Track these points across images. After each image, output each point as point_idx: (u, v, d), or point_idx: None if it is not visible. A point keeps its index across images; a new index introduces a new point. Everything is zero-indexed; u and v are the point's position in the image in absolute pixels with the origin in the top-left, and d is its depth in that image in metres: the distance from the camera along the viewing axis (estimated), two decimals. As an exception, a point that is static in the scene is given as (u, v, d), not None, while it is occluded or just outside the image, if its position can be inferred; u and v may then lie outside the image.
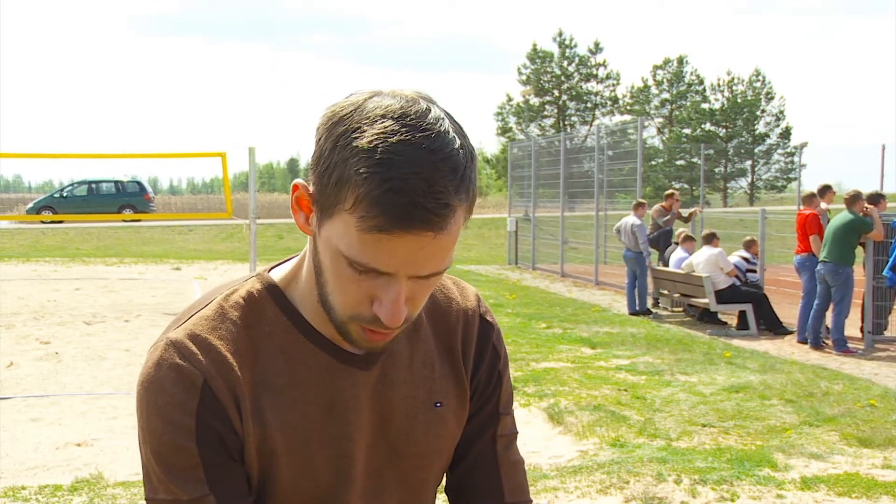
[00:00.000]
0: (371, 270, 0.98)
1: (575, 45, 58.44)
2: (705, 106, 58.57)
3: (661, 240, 12.95)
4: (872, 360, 8.81)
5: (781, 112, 58.06)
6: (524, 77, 58.30)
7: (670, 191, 13.45)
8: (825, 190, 10.13)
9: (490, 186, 61.46)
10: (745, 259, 11.56)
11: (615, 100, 58.91)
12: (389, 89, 1.00)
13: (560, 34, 59.84)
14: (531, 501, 1.28)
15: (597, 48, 58.35)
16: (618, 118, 57.65)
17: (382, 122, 0.95)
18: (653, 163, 51.81)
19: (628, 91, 60.03)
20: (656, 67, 59.81)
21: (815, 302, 9.37)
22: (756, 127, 57.87)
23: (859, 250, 9.40)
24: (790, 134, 57.61)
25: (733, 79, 58.57)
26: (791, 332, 10.12)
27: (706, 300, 10.68)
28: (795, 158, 51.41)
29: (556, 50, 58.34)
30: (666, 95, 59.46)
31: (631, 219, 12.19)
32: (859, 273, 9.41)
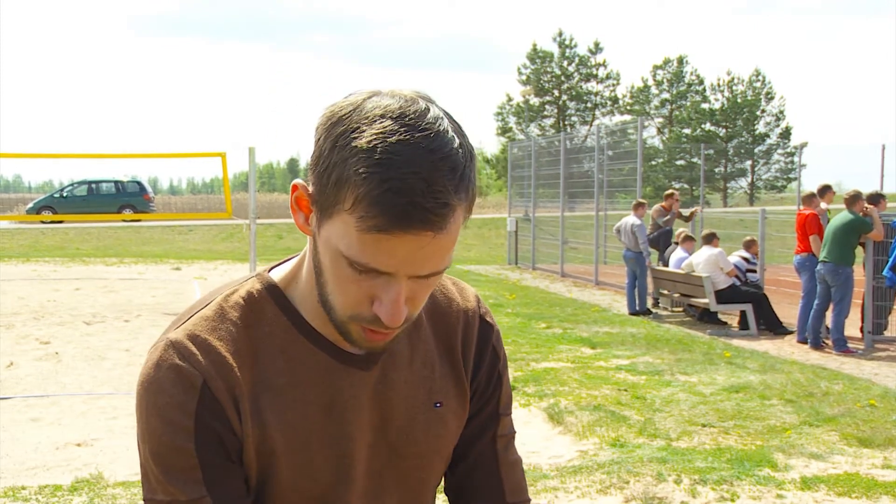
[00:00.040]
0: (371, 270, 0.98)
1: (575, 45, 58.47)
2: (705, 106, 58.58)
3: (661, 240, 12.95)
4: (872, 360, 8.81)
5: (781, 112, 58.09)
6: (524, 77, 58.34)
7: (670, 191, 13.45)
8: (825, 190, 10.13)
9: (490, 186, 61.47)
10: (745, 259, 11.57)
11: (615, 100, 58.93)
12: (388, 89, 1.00)
13: (560, 34, 59.89)
14: (530, 500, 1.29)
15: (597, 48, 58.37)
16: (618, 118, 57.68)
17: (381, 122, 0.95)
18: (653, 163, 51.81)
19: (628, 91, 60.12)
20: (656, 67, 59.84)
21: (815, 302, 9.37)
22: (756, 127, 57.88)
23: (859, 250, 9.40)
24: (790, 134, 57.66)
25: (733, 79, 58.61)
26: (791, 332, 10.12)
27: (706, 300, 10.68)
28: (795, 158, 51.43)
29: (556, 50, 58.37)
30: (666, 95, 59.47)
31: (631, 219, 12.20)
32: (859, 273, 9.41)
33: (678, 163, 56.06)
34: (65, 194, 30.71)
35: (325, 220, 0.99)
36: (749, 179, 57.90)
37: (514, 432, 1.30)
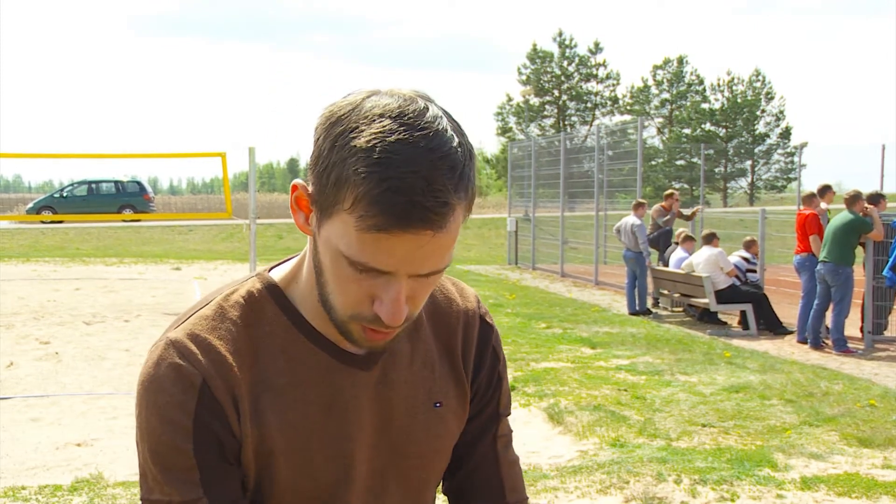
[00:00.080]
0: (371, 270, 0.98)
1: (575, 45, 58.47)
2: (705, 106, 58.58)
3: (661, 240, 12.95)
4: (872, 360, 8.81)
5: (781, 112, 58.09)
6: (524, 77, 58.33)
7: (670, 191, 13.45)
8: (825, 190, 10.13)
9: (490, 186, 61.47)
10: (745, 259, 11.57)
11: (615, 100, 58.93)
12: (387, 88, 1.00)
13: (560, 34, 59.89)
14: (527, 499, 1.30)
15: (597, 48, 58.36)
16: (618, 118, 57.68)
17: (380, 122, 0.95)
18: (653, 163, 51.81)
19: (628, 91, 60.11)
20: (656, 67, 59.84)
21: (815, 302, 9.37)
22: (756, 127, 57.88)
23: (859, 250, 9.40)
24: (790, 134, 57.65)
25: (733, 79, 58.61)
26: (791, 332, 10.12)
27: (706, 300, 10.68)
28: (795, 158, 51.43)
29: (556, 50, 58.37)
30: (666, 95, 59.47)
31: (631, 219, 12.20)
32: (859, 273, 9.41)
33: (678, 163, 56.06)
34: (65, 194, 30.71)
35: (325, 220, 0.99)
36: (749, 179, 57.90)
37: (512, 431, 1.31)
